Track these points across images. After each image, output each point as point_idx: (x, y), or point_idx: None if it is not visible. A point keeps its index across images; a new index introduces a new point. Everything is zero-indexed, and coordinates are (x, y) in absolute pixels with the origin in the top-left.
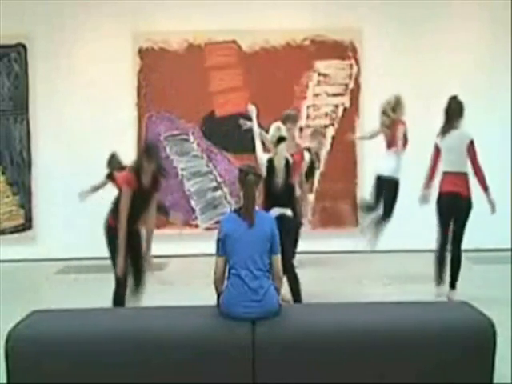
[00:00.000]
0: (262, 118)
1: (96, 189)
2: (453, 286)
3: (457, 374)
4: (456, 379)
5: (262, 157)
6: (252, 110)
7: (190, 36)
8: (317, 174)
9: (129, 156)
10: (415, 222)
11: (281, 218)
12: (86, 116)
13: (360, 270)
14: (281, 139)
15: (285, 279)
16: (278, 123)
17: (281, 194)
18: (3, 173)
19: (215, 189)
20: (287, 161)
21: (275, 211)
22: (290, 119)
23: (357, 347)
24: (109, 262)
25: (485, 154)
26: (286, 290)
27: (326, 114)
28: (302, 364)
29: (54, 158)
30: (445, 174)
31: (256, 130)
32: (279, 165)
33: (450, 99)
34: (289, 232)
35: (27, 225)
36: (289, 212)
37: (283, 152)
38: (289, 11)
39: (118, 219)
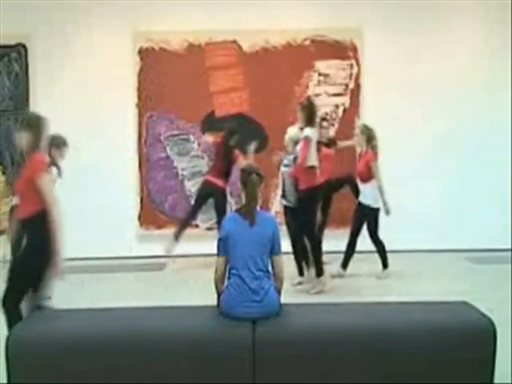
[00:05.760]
0: (262, 118)
1: None
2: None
3: (457, 373)
4: (456, 379)
5: None
6: None
7: (190, 36)
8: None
9: (129, 156)
10: (415, 223)
11: None
12: (87, 116)
13: (361, 269)
14: None
15: None
16: None
17: None
18: (3, 173)
19: None
20: None
21: None
22: None
23: (357, 347)
24: (108, 262)
25: (484, 153)
26: None
27: (326, 114)
28: (302, 364)
29: None
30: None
31: None
32: None
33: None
34: None
35: None
36: None
37: None
38: (289, 11)
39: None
